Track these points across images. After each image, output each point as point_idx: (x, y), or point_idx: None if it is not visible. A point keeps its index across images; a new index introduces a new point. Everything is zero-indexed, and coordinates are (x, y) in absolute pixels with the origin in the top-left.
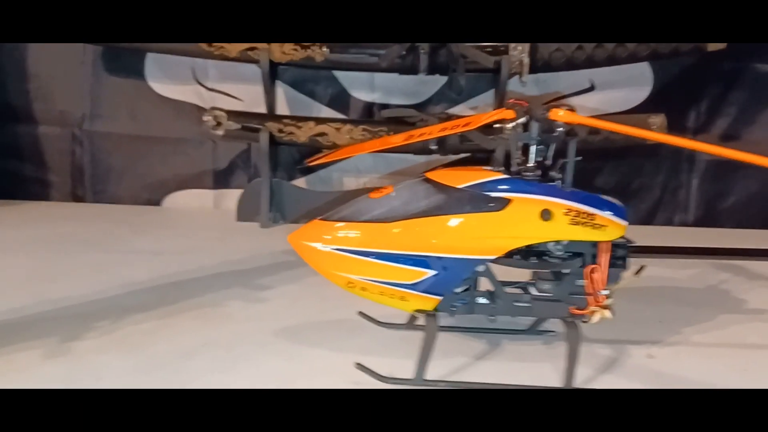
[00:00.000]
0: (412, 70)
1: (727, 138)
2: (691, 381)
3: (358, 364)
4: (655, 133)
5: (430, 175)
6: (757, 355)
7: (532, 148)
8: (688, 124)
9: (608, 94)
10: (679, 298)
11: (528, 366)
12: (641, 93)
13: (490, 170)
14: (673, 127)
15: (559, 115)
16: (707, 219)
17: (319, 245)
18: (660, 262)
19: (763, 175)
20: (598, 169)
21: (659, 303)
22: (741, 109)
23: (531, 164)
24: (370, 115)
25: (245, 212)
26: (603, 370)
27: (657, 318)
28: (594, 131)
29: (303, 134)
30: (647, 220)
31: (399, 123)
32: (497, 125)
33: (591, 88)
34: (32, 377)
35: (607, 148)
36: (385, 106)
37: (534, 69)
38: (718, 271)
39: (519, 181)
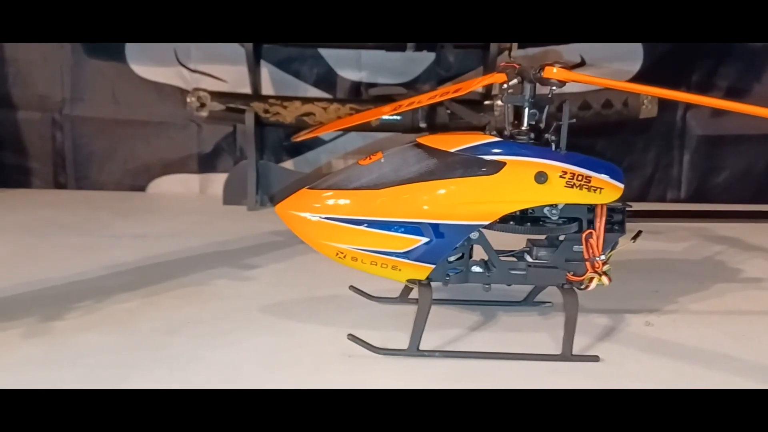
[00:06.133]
0: (399, 46)
1: (718, 112)
2: (689, 348)
3: (351, 335)
4: (652, 87)
5: (421, 140)
6: (753, 321)
7: (525, 111)
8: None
9: (599, 69)
10: (674, 270)
11: (524, 336)
12: (632, 67)
13: (483, 134)
14: (664, 102)
15: (553, 72)
16: (699, 195)
17: (308, 215)
18: (655, 237)
19: (753, 150)
20: (590, 146)
21: (655, 275)
22: (732, 84)
23: (524, 127)
24: (358, 94)
25: (232, 195)
26: (601, 338)
27: (653, 289)
28: (585, 107)
29: (289, 114)
30: (640, 196)
31: (387, 102)
32: (487, 102)
33: (582, 63)
34: (11, 356)
35: (598, 124)
36: (372, 86)
37: (523, 44)
38: (713, 244)
39: (513, 144)
